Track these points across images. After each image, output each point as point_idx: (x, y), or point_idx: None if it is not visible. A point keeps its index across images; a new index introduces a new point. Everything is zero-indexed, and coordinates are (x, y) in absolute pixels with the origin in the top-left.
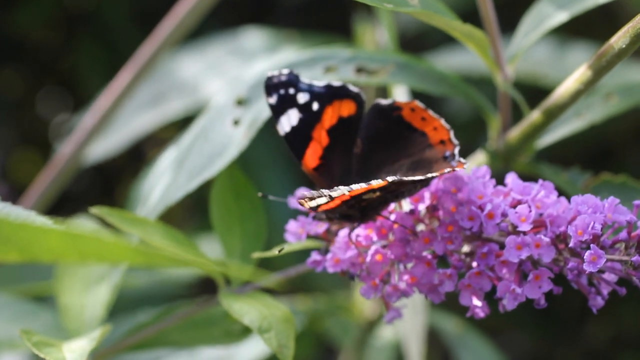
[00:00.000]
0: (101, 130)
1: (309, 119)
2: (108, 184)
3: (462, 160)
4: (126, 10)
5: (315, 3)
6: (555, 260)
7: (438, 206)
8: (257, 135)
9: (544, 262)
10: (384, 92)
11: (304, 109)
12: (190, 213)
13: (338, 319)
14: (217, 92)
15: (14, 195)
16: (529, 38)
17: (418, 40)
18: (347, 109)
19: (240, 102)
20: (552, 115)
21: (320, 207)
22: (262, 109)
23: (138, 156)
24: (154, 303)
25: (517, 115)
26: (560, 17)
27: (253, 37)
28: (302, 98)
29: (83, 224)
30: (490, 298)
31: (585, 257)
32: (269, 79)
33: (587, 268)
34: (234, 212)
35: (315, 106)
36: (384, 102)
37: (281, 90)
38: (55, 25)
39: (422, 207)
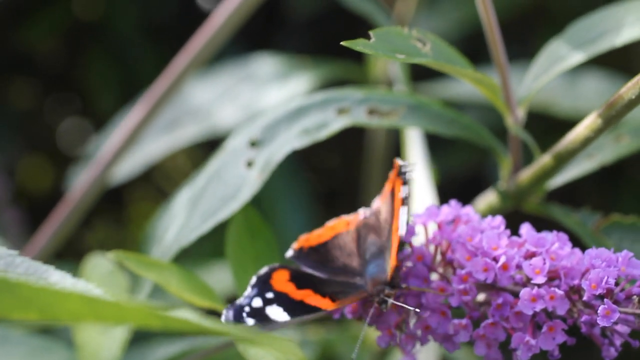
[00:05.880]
0: (119, 159)
1: (286, 302)
2: (116, 190)
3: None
4: (133, 21)
5: (325, 20)
6: (569, 311)
7: (453, 256)
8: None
9: (558, 314)
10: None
11: (267, 302)
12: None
13: (350, 347)
14: (230, 119)
15: (26, 221)
16: (541, 80)
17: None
18: (283, 277)
19: (254, 144)
20: (562, 160)
21: None
22: (275, 150)
23: None
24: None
25: (528, 152)
26: (573, 59)
27: (265, 63)
28: (257, 302)
29: (99, 266)
30: (505, 347)
31: (599, 311)
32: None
33: (601, 322)
34: (249, 253)
35: (269, 295)
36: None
37: (246, 314)
38: (64, 36)
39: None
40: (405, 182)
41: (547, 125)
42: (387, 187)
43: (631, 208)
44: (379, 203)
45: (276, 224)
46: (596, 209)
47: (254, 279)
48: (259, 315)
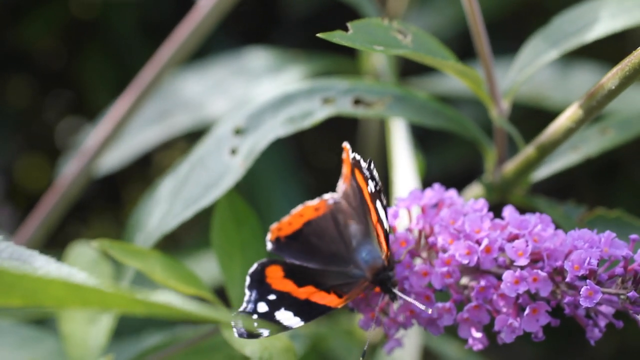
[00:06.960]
0: (106, 148)
1: (293, 304)
2: (114, 187)
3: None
4: (133, 20)
5: (322, 17)
6: (553, 292)
7: (436, 240)
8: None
9: (541, 296)
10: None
11: (273, 305)
12: (191, 227)
13: (341, 341)
14: (221, 111)
15: (16, 218)
16: (524, 72)
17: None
18: (277, 274)
19: (238, 132)
20: (545, 151)
21: None
22: (259, 138)
23: (145, 160)
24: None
25: (513, 144)
26: (552, 54)
27: (257, 57)
28: (262, 307)
29: (83, 254)
30: (489, 329)
31: (581, 292)
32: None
33: (584, 303)
34: (234, 240)
35: (271, 296)
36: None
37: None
38: (61, 34)
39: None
40: (369, 177)
41: (541, 122)
42: (346, 170)
43: (627, 206)
44: (345, 186)
45: (272, 220)
46: (590, 206)
47: (247, 280)
48: (271, 323)
